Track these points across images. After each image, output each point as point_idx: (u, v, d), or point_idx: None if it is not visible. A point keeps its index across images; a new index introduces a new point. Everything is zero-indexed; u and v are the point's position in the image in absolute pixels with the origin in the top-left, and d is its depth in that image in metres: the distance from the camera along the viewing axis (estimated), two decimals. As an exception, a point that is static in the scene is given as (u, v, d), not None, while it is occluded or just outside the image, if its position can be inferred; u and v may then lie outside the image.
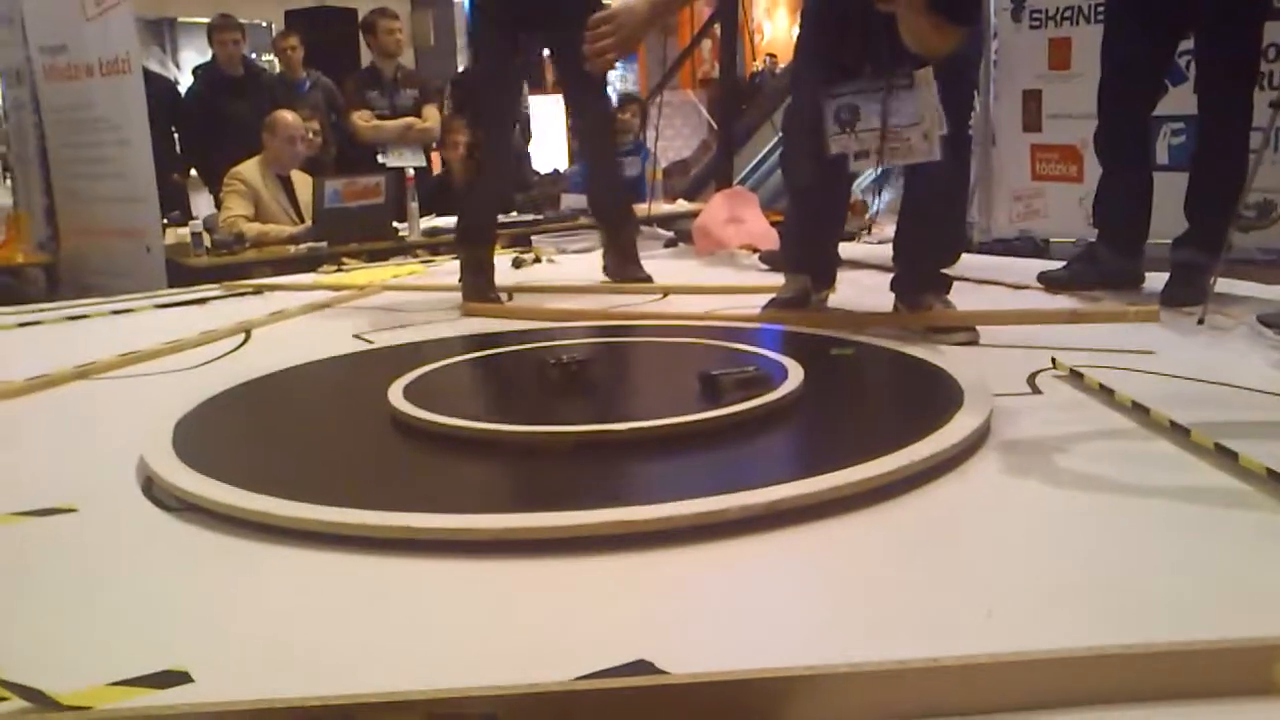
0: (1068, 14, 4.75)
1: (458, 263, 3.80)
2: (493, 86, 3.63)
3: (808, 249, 3.10)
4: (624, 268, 3.78)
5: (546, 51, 3.80)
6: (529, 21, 3.51)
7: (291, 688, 1.09)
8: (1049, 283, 3.41)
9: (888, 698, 1.05)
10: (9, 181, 7.38)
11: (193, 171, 6.52)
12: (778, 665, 1.07)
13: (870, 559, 1.46)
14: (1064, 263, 3.58)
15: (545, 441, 1.86)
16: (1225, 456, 1.72)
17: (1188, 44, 3.33)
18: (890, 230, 3.16)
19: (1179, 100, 3.79)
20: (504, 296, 3.57)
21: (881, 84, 2.59)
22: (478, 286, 3.55)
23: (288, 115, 5.28)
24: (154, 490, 1.78)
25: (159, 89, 6.07)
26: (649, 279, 3.72)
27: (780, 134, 5.69)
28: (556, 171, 8.56)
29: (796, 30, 3.18)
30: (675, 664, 1.13)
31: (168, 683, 1.15)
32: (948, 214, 2.93)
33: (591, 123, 3.80)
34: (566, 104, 3.98)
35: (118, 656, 1.21)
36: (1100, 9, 4.10)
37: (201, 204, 6.33)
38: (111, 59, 5.13)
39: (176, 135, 6.36)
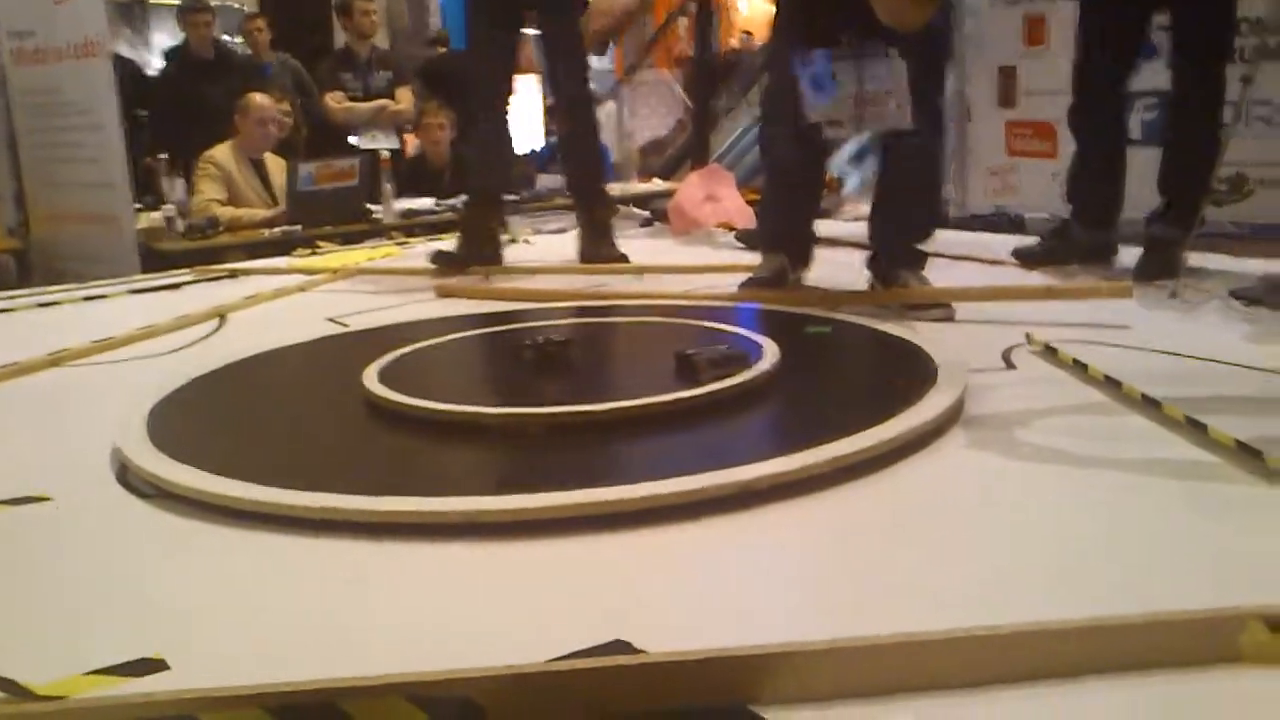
0: (1043, -9, 4.76)
1: (432, 244, 3.81)
2: (492, 69, 3.67)
3: (785, 227, 3.10)
4: (599, 247, 3.78)
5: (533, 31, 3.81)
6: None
7: (270, 674, 1.09)
8: (1023, 259, 3.43)
9: (864, 673, 1.06)
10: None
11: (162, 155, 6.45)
12: (755, 643, 1.08)
13: (845, 536, 1.47)
14: (1038, 239, 3.60)
15: (522, 423, 1.86)
16: (1195, 429, 1.74)
17: (1162, 19, 3.34)
18: (866, 208, 3.16)
19: (1152, 76, 3.80)
20: (481, 277, 3.57)
21: (856, 52, 2.59)
22: (481, 252, 3.66)
23: (259, 98, 5.24)
24: (128, 477, 1.77)
25: (124, 73, 6.00)
26: (624, 258, 3.72)
27: (757, 111, 5.68)
28: (531, 152, 8.54)
29: (773, 8, 3.18)
30: (653, 643, 1.14)
31: (144, 670, 1.14)
32: (922, 190, 2.95)
33: (572, 102, 3.81)
34: (548, 83, 3.99)
35: (93, 645, 1.20)
36: (1075, -15, 4.10)
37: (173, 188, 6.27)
38: (81, 42, 5.08)
39: (147, 118, 6.28)
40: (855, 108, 2.62)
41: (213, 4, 6.29)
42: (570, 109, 3.84)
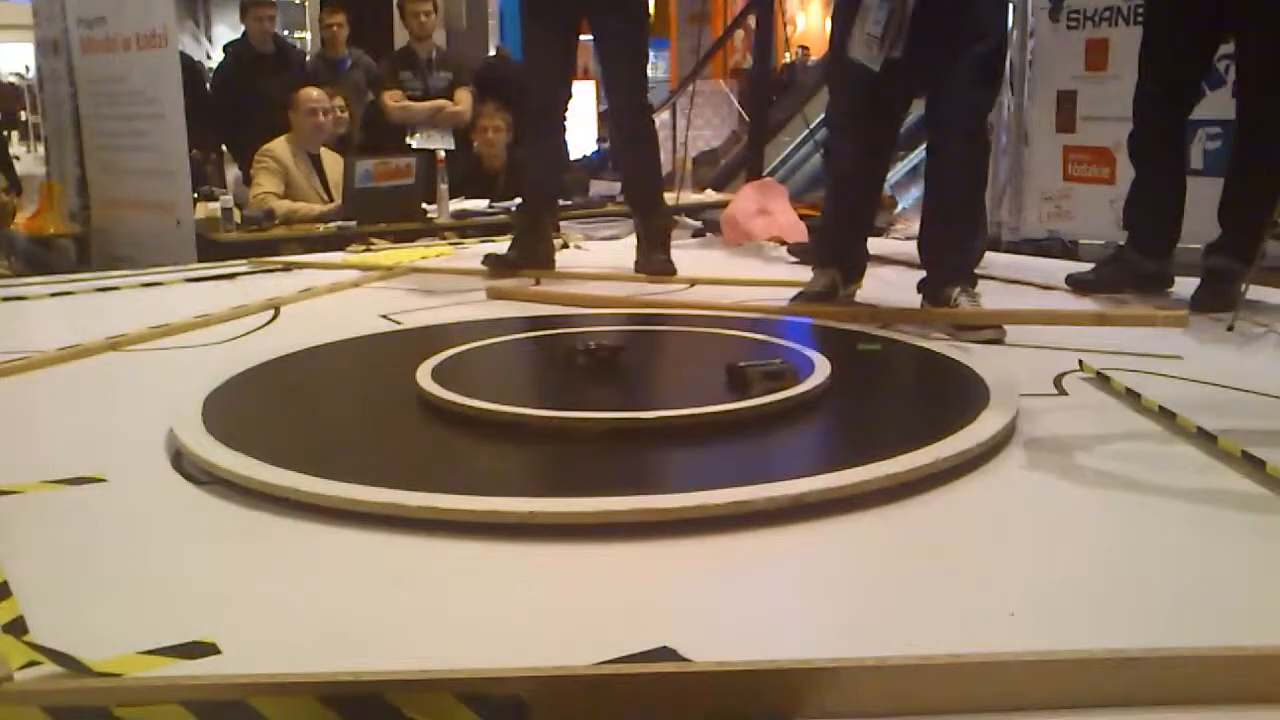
0: (1106, 15, 4.72)
1: (485, 246, 3.83)
2: (549, 74, 3.69)
3: (841, 242, 3.10)
4: (651, 257, 3.78)
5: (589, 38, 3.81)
6: (582, 5, 3.60)
7: (317, 663, 1.11)
8: (1077, 285, 3.40)
9: (910, 692, 1.06)
10: (41, 150, 7.44)
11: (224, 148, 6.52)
12: (800, 657, 1.08)
13: (895, 555, 1.47)
14: (1092, 265, 3.56)
15: (574, 427, 1.87)
16: (1252, 464, 1.71)
17: (1227, 48, 3.31)
18: (917, 226, 3.16)
19: (1216, 105, 3.76)
20: (531, 280, 3.59)
21: None
22: (534, 256, 3.71)
23: (310, 90, 5.29)
24: (183, 463, 1.80)
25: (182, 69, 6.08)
26: (673, 270, 3.72)
27: (810, 127, 5.68)
28: (585, 157, 8.57)
29: (829, 24, 3.19)
30: (699, 652, 1.14)
31: (196, 653, 1.16)
32: (969, 208, 2.94)
33: (629, 112, 3.81)
34: (604, 90, 4.00)
35: (146, 626, 1.22)
36: (1140, 10, 4.07)
37: (230, 180, 6.35)
38: (149, 33, 5.16)
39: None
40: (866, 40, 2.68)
41: (274, -1, 6.34)
42: (628, 118, 3.85)
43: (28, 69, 11.43)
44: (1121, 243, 3.49)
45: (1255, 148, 3.13)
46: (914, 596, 1.33)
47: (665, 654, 1.15)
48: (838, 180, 3.14)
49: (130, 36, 5.27)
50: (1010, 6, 3.24)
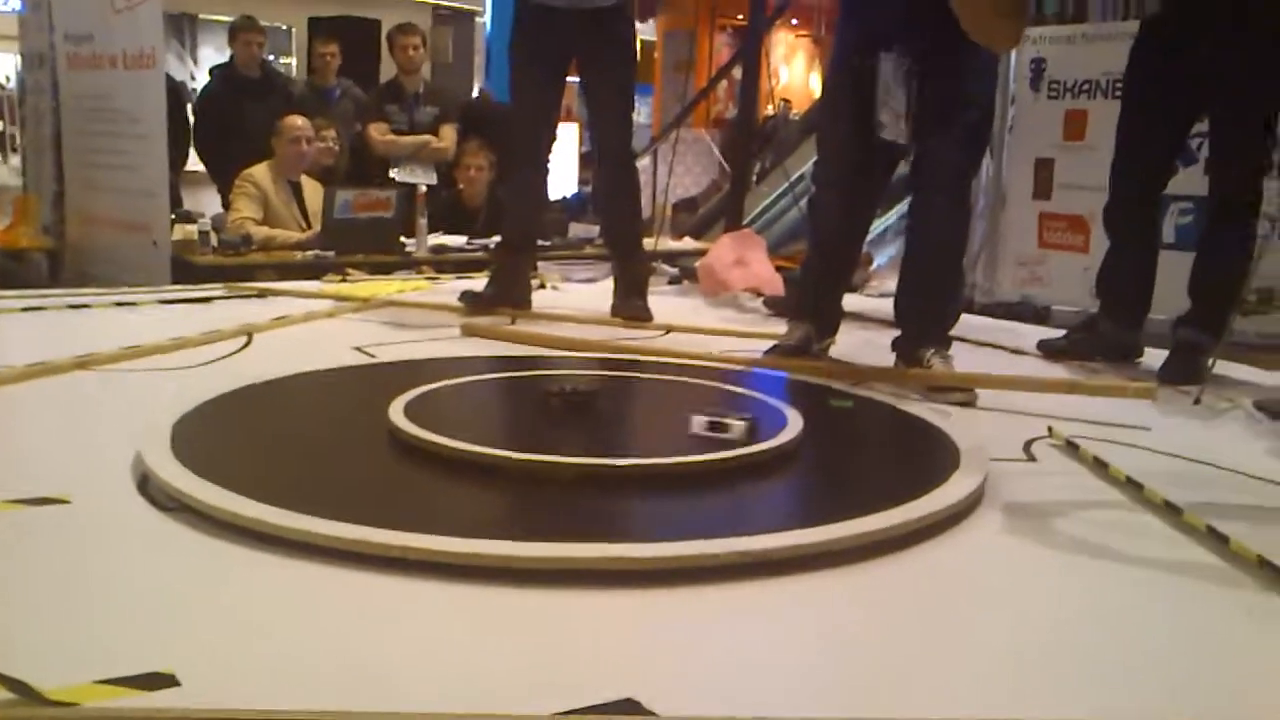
0: (1085, 87, 4.80)
1: (461, 282, 3.82)
2: (534, 115, 3.71)
3: (818, 296, 3.12)
4: (628, 301, 3.79)
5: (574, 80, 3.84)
6: (571, 47, 3.63)
7: (276, 699, 1.10)
8: (1048, 351, 3.43)
9: (873, 757, 1.06)
10: (16, 162, 7.38)
11: (198, 168, 6.48)
12: (764, 715, 1.07)
13: (862, 614, 1.47)
14: (1064, 331, 3.60)
15: (545, 471, 1.87)
16: (1217, 540, 1.73)
17: (1201, 126, 3.37)
18: (892, 285, 3.19)
19: (1189, 181, 3.83)
20: (507, 319, 3.60)
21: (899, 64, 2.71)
22: (510, 295, 3.71)
23: (295, 118, 5.30)
24: (149, 488, 1.78)
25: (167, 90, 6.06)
26: (650, 316, 3.73)
27: (790, 180, 5.73)
28: (564, 199, 8.58)
29: (816, 79, 3.23)
30: (662, 705, 1.14)
31: (154, 685, 1.15)
32: (948, 272, 2.97)
33: (613, 157, 3.84)
34: (589, 134, 4.02)
35: (104, 653, 1.21)
36: (1118, 85, 4.14)
37: (206, 203, 6.30)
38: (136, 53, 5.15)
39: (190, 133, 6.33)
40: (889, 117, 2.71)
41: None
42: (611, 162, 3.87)
43: (8, 79, 11.37)
44: (1094, 310, 3.54)
45: (1225, 225, 3.18)
46: (880, 656, 1.33)
47: (628, 706, 1.14)
48: (820, 235, 3.17)
49: (117, 55, 5.25)
50: (997, 77, 3.29)
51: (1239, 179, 3.16)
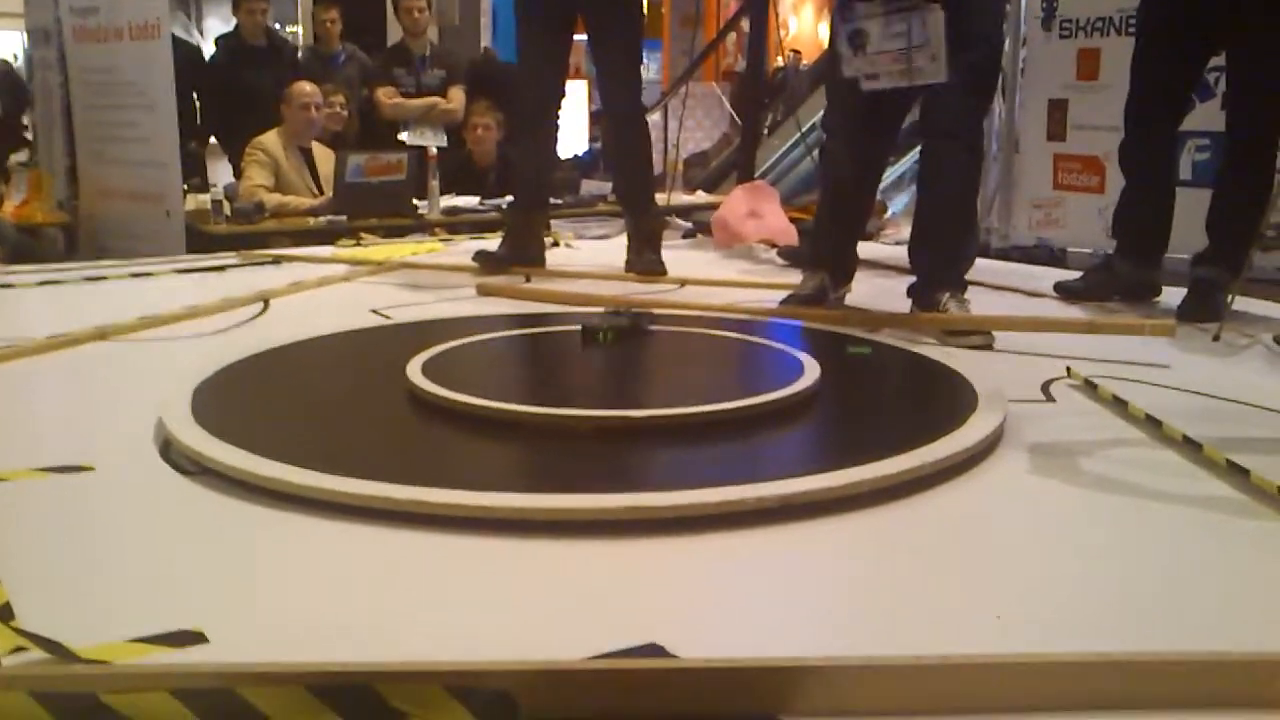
0: (1098, 25, 4.73)
1: (475, 242, 3.82)
2: (542, 73, 3.69)
3: (832, 245, 3.11)
4: (642, 257, 3.79)
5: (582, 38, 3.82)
6: (576, 4, 3.61)
7: (306, 654, 1.11)
8: (1065, 292, 3.41)
9: (896, 692, 1.06)
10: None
11: (212, 140, 6.49)
12: (788, 655, 1.08)
13: (883, 556, 1.48)
14: (1080, 273, 3.58)
15: (564, 424, 1.87)
16: (1237, 473, 1.73)
17: (1217, 60, 3.33)
18: (907, 232, 3.17)
19: (1205, 117, 3.79)
20: (522, 278, 3.60)
21: (890, 6, 2.61)
22: (524, 254, 3.70)
23: (304, 84, 5.29)
24: (171, 453, 1.80)
25: (183, 55, 6.04)
26: (664, 270, 3.72)
27: (801, 130, 5.69)
28: (576, 156, 8.56)
29: (825, 29, 3.20)
30: (686, 649, 1.14)
31: (184, 642, 1.16)
32: (961, 215, 2.95)
33: (622, 113, 3.82)
34: (598, 91, 4.01)
35: (133, 614, 1.22)
36: (1132, 21, 4.09)
37: (220, 173, 6.31)
38: (141, 23, 5.14)
39: (198, 103, 6.32)
40: (893, 61, 2.64)
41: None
42: (621, 119, 3.85)
43: (16, 57, 11.38)
44: (1110, 251, 3.51)
45: (1243, 160, 3.15)
46: (902, 598, 1.34)
47: (653, 650, 1.15)
48: (833, 184, 3.16)
49: (123, 26, 5.24)
50: (1005, 15, 3.26)
51: (1257, 114, 3.12)
